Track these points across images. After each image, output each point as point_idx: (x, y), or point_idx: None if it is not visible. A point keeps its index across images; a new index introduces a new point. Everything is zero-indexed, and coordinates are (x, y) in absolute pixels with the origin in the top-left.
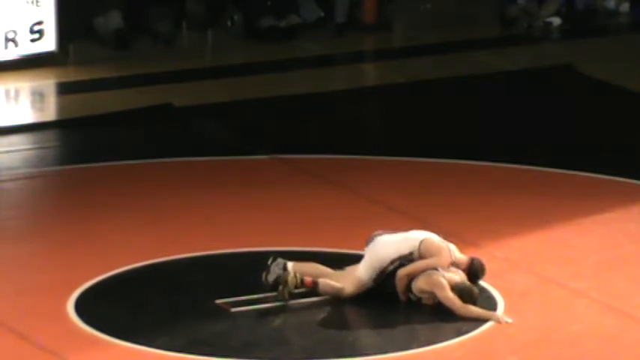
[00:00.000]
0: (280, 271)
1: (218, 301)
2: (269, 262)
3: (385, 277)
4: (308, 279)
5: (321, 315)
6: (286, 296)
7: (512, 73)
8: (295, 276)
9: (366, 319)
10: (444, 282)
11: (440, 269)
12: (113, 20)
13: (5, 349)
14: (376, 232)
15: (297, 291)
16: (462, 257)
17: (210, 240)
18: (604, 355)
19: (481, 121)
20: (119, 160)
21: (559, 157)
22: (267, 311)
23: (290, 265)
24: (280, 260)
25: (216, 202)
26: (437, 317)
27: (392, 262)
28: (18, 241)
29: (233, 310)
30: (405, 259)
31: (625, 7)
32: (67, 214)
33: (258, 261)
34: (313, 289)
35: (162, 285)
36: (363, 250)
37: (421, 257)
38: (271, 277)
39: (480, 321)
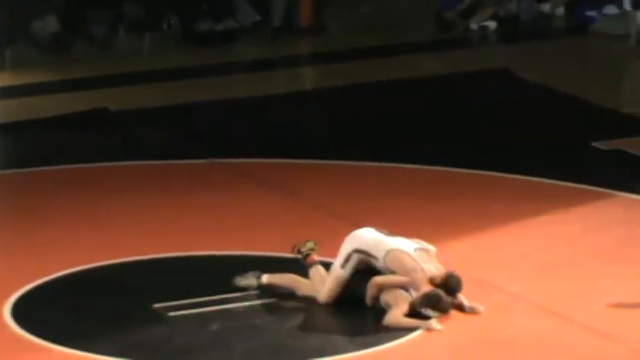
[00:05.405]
0: (254, 280)
1: (156, 305)
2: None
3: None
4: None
5: (260, 319)
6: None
7: (449, 76)
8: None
9: (306, 323)
10: (405, 306)
11: (411, 291)
12: (50, 24)
13: None
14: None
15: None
16: (437, 273)
17: (149, 244)
18: (541, 359)
19: (419, 124)
20: (56, 165)
21: (496, 160)
22: (205, 315)
23: (265, 276)
24: (257, 272)
25: (155, 206)
26: (376, 321)
27: (356, 251)
28: None
29: (171, 314)
30: (370, 257)
31: (560, 10)
32: (3, 218)
33: (197, 265)
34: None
35: (101, 289)
36: None
37: (387, 267)
38: (243, 282)
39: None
